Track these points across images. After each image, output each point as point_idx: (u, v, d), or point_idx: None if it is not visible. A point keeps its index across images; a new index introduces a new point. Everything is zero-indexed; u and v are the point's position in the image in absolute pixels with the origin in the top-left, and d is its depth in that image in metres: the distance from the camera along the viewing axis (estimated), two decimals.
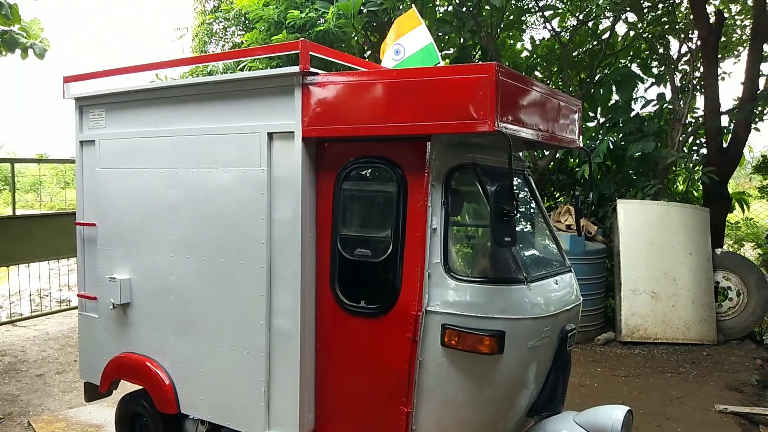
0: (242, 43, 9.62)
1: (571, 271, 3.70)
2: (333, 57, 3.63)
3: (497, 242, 2.87)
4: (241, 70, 9.07)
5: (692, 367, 6.59)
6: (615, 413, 3.19)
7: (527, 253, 3.46)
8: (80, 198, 4.47)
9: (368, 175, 3.45)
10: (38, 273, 9.61)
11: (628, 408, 3.23)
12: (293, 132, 3.33)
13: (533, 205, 3.87)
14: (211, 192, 3.69)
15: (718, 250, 7.77)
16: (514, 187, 2.89)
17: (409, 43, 4.45)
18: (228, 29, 11.81)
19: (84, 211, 4.45)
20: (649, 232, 7.57)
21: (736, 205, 8.83)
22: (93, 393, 4.56)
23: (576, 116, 3.82)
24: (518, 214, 2.94)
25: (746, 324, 7.45)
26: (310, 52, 3.29)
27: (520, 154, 3.95)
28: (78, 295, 4.50)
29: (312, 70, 3.28)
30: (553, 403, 3.37)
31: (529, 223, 3.77)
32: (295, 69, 3.27)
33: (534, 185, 3.84)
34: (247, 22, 9.80)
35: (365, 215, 3.60)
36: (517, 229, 3.20)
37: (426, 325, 3.06)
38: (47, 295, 10.12)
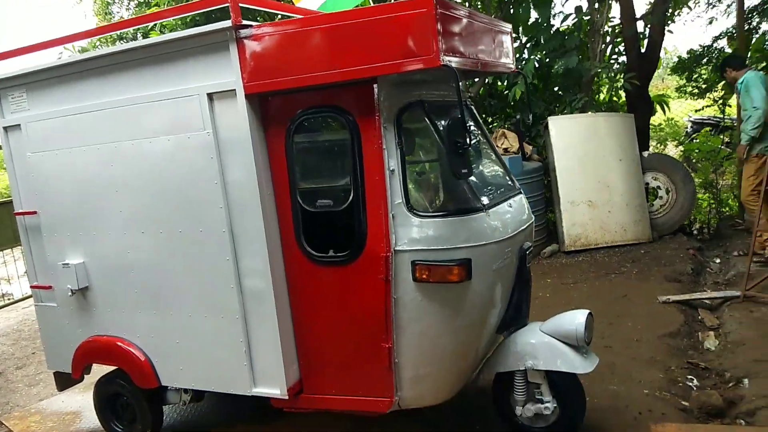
0: (148, 1, 9.06)
1: (521, 192, 3.87)
2: (264, 6, 3.51)
3: (455, 175, 2.96)
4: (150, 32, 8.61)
5: (633, 266, 7.07)
6: (577, 317, 3.44)
7: (480, 181, 3.58)
8: (14, 187, 4.23)
9: (318, 126, 3.44)
10: None
11: (588, 311, 3.48)
12: (234, 90, 3.25)
13: (478, 132, 3.97)
14: (156, 162, 3.58)
15: (645, 153, 8.21)
16: (465, 119, 2.96)
17: None
18: None
19: (21, 200, 4.23)
20: (580, 145, 7.89)
21: (657, 108, 9.28)
22: (64, 382, 4.49)
23: (508, 39, 3.88)
24: (471, 146, 3.03)
25: (677, 219, 8.00)
26: (240, 4, 3.17)
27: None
28: (32, 287, 4.34)
29: (245, 22, 3.17)
30: (519, 317, 3.60)
31: (476, 151, 3.87)
32: (227, 23, 3.16)
33: (476, 112, 3.93)
34: None
35: (321, 166, 3.61)
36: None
37: (396, 263, 3.16)
38: None
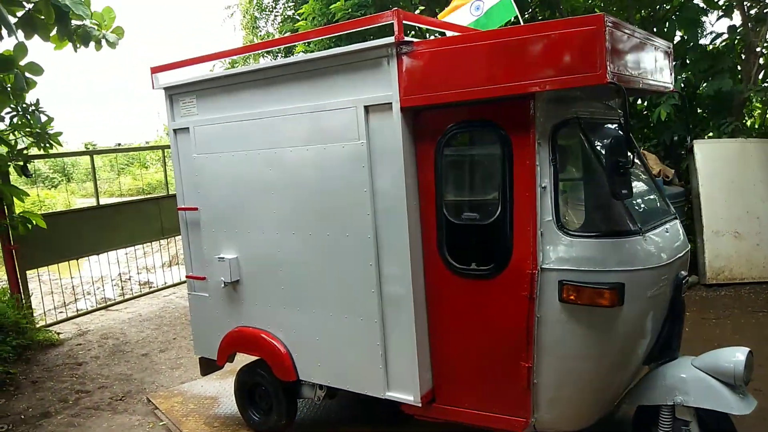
0: (295, 17, 9.61)
1: (677, 218, 3.68)
2: (426, 24, 3.63)
3: (614, 195, 2.88)
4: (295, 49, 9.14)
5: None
6: (736, 355, 3.20)
7: (636, 203, 3.45)
8: (179, 184, 4.66)
9: (470, 140, 3.48)
10: (116, 258, 10.09)
11: (748, 349, 3.23)
12: (390, 103, 3.37)
13: (635, 152, 3.81)
14: (311, 169, 3.79)
15: None
16: (629, 139, 2.87)
17: None
18: (278, 2, 11.80)
19: (184, 196, 4.65)
20: (728, 171, 7.36)
21: None
22: (208, 367, 4.85)
23: (669, 59, 3.73)
24: (633, 166, 2.93)
25: None
26: (404, 21, 3.30)
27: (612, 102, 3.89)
28: (187, 277, 4.74)
29: (406, 39, 3.30)
30: (669, 350, 3.41)
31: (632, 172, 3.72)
32: (390, 40, 3.29)
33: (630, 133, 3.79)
34: None
35: (470, 179, 3.64)
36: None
37: (542, 282, 3.11)
38: (128, 279, 10.66)
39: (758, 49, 7.96)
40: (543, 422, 3.32)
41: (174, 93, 4.53)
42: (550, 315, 3.14)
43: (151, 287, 9.85)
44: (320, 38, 7.62)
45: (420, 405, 3.54)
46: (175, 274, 10.13)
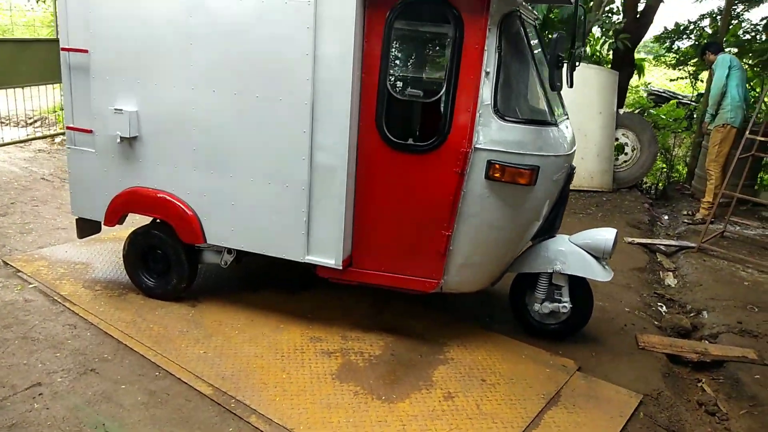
0: None
1: (568, 117, 4.21)
2: None
3: (552, 86, 3.24)
4: None
5: (597, 210, 7.76)
6: (607, 233, 3.91)
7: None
8: (63, 19, 4.03)
9: (422, 16, 3.55)
10: None
11: (615, 230, 3.97)
12: None
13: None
14: (243, 23, 3.57)
15: (621, 111, 8.81)
16: (574, 36, 3.21)
17: None
18: None
19: (69, 35, 4.05)
20: (567, 92, 8.31)
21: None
22: (86, 229, 4.50)
23: None
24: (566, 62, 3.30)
25: (636, 175, 8.75)
26: None
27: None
28: (68, 128, 4.23)
29: None
30: (552, 229, 4.01)
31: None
32: None
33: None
34: None
35: (417, 56, 3.74)
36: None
37: (473, 160, 3.44)
38: None
39: None
40: (449, 284, 3.77)
41: None
42: (474, 190, 3.50)
43: None
44: None
45: (341, 268, 3.76)
46: None
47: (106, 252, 5.05)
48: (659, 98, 13.02)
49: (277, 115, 3.63)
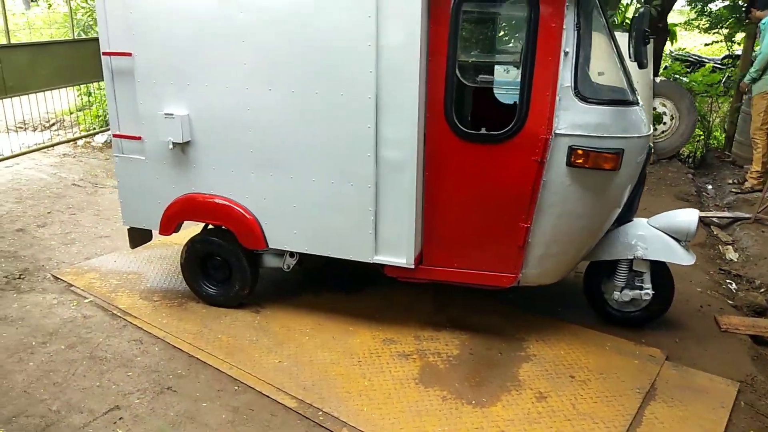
0: None
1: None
2: None
3: (640, 64, 3.03)
4: None
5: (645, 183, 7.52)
6: (690, 215, 3.72)
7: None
8: (103, 23, 3.85)
9: None
10: None
11: (697, 210, 3.77)
12: None
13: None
14: (299, 16, 3.37)
15: (657, 79, 8.51)
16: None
17: None
18: None
19: (110, 39, 3.87)
20: (601, 61, 8.05)
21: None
22: (138, 239, 4.37)
23: None
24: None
25: (676, 145, 8.49)
26: None
27: None
28: (114, 136, 4.07)
29: None
30: (629, 212, 3.82)
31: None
32: None
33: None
34: None
35: (488, 40, 3.53)
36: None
37: (553, 147, 3.24)
38: None
39: None
40: (528, 277, 3.61)
41: None
42: (555, 178, 3.31)
43: None
44: None
45: (413, 267, 3.60)
46: (15, 141, 8.59)
47: (156, 259, 4.92)
48: (684, 62, 12.66)
49: (339, 111, 3.44)
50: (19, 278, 4.58)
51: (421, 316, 4.07)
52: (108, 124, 9.36)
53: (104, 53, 3.90)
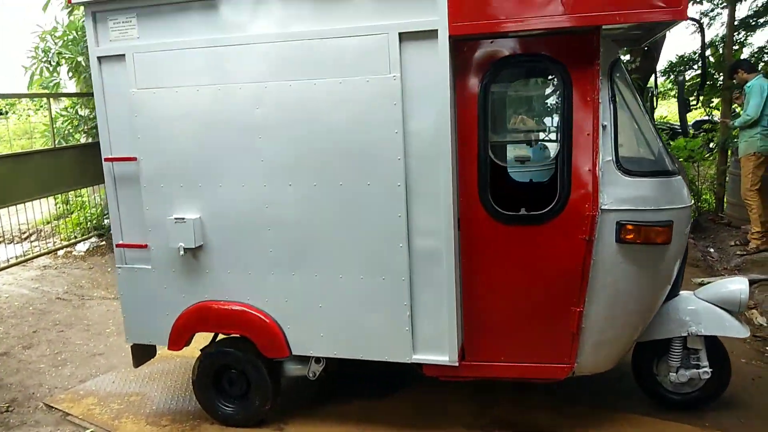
0: None
1: None
2: None
3: (684, 133, 2.91)
4: None
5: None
6: (739, 284, 3.52)
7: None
8: (104, 128, 3.65)
9: (522, 76, 3.25)
10: None
11: (746, 279, 3.58)
12: (436, 30, 2.99)
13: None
14: (320, 106, 3.22)
15: None
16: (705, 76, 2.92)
17: None
18: None
19: (112, 144, 3.66)
20: None
21: None
22: (142, 356, 3.97)
23: None
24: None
25: None
26: None
27: None
28: (117, 246, 3.76)
29: None
30: (676, 287, 3.61)
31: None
32: None
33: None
34: None
35: (522, 120, 3.42)
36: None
37: (600, 223, 3.06)
38: None
39: None
40: (583, 366, 3.32)
41: (100, 9, 3.50)
42: (605, 257, 3.11)
43: None
44: None
45: (457, 365, 3.28)
46: None
47: (159, 375, 4.48)
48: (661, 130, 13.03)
49: (367, 202, 3.24)
50: (7, 411, 4.08)
51: (464, 419, 3.69)
52: (91, 231, 9.18)
53: (106, 159, 3.66)
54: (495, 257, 3.25)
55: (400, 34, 3.05)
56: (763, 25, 8.72)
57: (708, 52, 9.23)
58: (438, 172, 3.12)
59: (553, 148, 3.13)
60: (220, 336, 3.87)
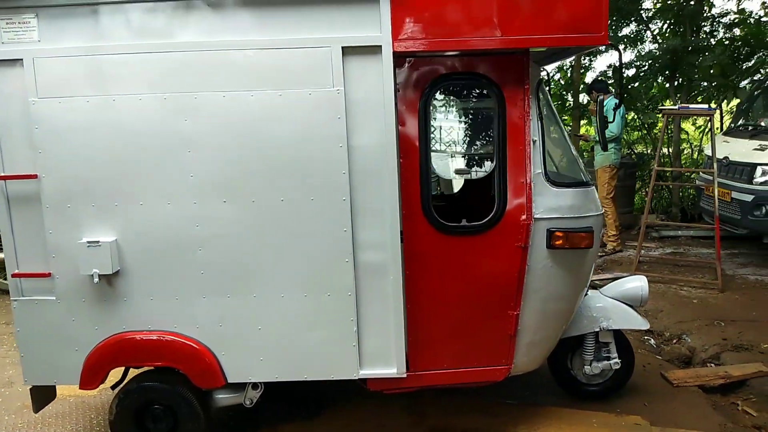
0: None
1: None
2: None
3: (603, 147, 3.22)
4: None
5: None
6: (639, 282, 3.95)
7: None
8: None
9: (458, 92, 3.36)
10: None
11: (644, 276, 4.03)
12: (380, 46, 3.02)
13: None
14: (258, 119, 3.10)
15: None
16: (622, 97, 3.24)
17: None
18: None
19: (4, 160, 3.19)
20: None
21: None
22: (43, 399, 3.49)
23: None
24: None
25: None
26: None
27: None
28: (13, 276, 3.26)
29: None
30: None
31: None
32: None
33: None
34: None
35: (458, 134, 3.51)
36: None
37: (534, 231, 3.27)
38: None
39: None
40: (518, 366, 3.51)
41: None
42: (537, 262, 3.32)
43: None
44: None
45: (405, 376, 3.30)
46: None
47: (53, 419, 3.94)
48: None
49: (310, 218, 3.16)
50: None
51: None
52: None
53: (0, 177, 3.18)
54: (437, 267, 3.33)
55: (343, 48, 3.03)
56: (603, 52, 9.89)
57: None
58: (383, 185, 3.14)
59: (489, 161, 3.31)
60: (136, 370, 3.52)
